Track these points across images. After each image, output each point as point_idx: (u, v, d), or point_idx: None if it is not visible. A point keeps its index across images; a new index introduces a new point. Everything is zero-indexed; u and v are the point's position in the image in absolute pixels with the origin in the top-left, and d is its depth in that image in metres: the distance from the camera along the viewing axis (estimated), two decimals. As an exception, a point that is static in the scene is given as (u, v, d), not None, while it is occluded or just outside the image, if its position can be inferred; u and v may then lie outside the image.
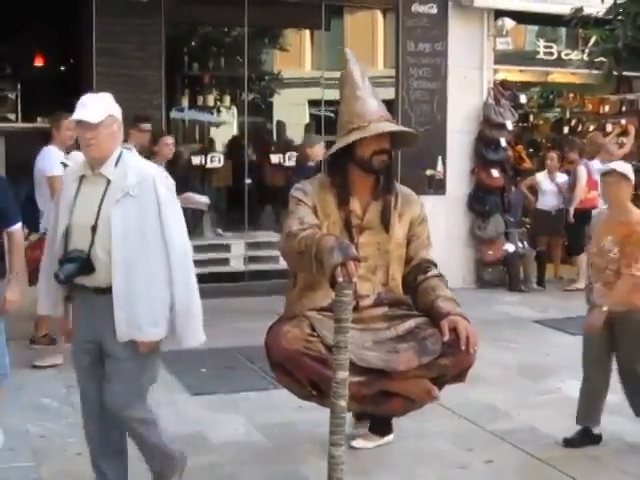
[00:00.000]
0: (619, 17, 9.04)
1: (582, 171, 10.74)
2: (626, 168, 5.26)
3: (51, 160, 7.22)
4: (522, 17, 11.22)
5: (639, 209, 5.35)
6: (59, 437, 5.56)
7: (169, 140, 8.35)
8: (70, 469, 5.05)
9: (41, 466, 5.06)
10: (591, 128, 13.37)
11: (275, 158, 12.17)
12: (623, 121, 12.79)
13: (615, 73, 7.71)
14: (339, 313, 3.11)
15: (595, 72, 9.90)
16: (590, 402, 5.57)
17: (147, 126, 8.31)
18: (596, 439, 5.56)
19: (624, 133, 12.37)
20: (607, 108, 13.58)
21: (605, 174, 5.28)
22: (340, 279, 3.09)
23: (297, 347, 3.46)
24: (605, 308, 5.17)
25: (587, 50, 11.04)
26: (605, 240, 5.25)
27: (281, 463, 5.13)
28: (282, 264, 7.88)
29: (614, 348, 5.49)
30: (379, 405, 3.71)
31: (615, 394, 6.59)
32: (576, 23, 9.50)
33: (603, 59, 8.98)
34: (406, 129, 4.02)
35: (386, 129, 3.73)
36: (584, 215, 10.54)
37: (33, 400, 6.09)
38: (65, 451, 5.32)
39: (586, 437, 5.56)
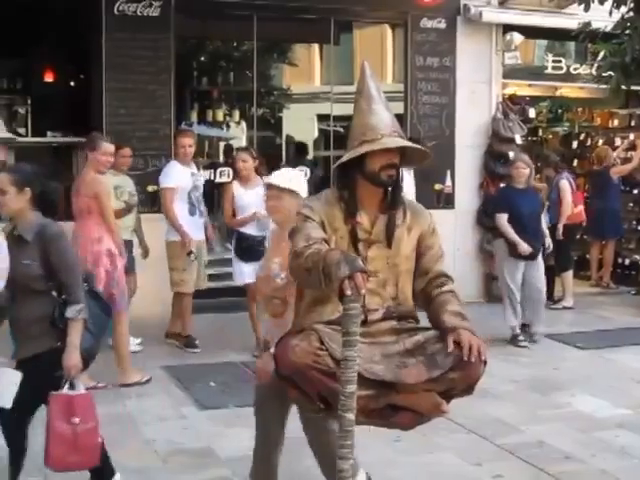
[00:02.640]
0: (627, 31, 9.05)
1: (565, 185, 10.69)
2: (290, 180, 4.51)
3: None
4: (530, 32, 11.24)
5: None
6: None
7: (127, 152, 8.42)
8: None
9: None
10: (600, 142, 13.36)
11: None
12: (632, 136, 12.80)
13: (623, 87, 7.71)
14: (347, 326, 3.11)
15: (603, 87, 9.90)
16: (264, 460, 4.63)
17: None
18: None
19: (633, 148, 12.36)
20: (616, 122, 13.58)
21: (267, 187, 4.59)
22: (348, 292, 3.09)
23: (305, 361, 3.45)
24: (273, 350, 3.97)
25: (595, 64, 11.04)
26: (272, 263, 4.44)
27: (291, 476, 5.13)
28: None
29: None
30: (387, 419, 3.70)
31: (622, 408, 6.61)
32: (584, 38, 9.52)
33: (611, 73, 8.98)
34: (418, 146, 4.01)
35: (398, 144, 3.73)
36: (570, 230, 10.55)
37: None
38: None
39: None
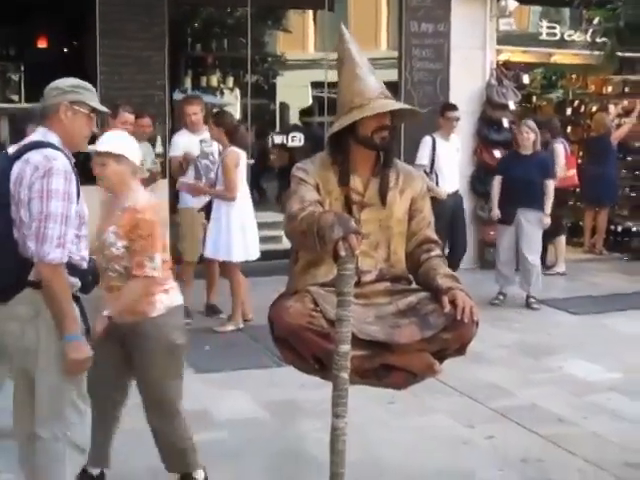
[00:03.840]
0: (621, -3, 9.05)
1: (559, 149, 10.73)
2: (120, 144, 4.26)
3: None
4: (525, -2, 11.22)
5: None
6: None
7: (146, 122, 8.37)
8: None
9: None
10: (594, 109, 13.37)
11: (278, 139, 12.22)
12: (625, 102, 12.80)
13: (618, 53, 7.71)
14: (341, 287, 3.16)
15: (597, 53, 9.87)
16: (99, 436, 4.34)
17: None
18: None
19: (627, 114, 12.36)
20: (610, 89, 13.55)
21: (96, 155, 4.23)
22: (342, 253, 3.13)
23: (300, 322, 3.50)
24: (106, 312, 4.04)
25: (590, 31, 11.02)
26: (107, 232, 4.15)
27: (285, 439, 5.21)
28: (285, 244, 7.98)
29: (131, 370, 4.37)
30: (381, 379, 3.76)
31: (614, 372, 6.69)
32: (579, 4, 9.51)
33: (605, 39, 8.97)
34: (407, 106, 4.05)
35: (388, 107, 3.75)
36: (563, 195, 10.55)
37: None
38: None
39: None
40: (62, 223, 3.48)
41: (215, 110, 8.73)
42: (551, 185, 9.01)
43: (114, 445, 4.53)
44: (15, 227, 3.49)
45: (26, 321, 3.52)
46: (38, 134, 3.67)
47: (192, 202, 8.01)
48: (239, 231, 7.70)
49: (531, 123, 9.12)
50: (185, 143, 8.19)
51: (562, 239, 10.85)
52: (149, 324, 4.14)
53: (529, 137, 8.86)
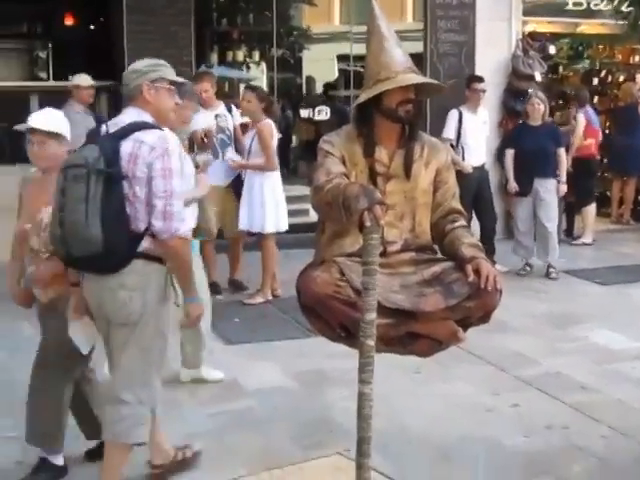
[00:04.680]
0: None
1: (580, 118, 10.72)
2: (61, 124, 4.25)
3: None
4: (551, -32, 11.16)
5: None
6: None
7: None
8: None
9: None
10: (621, 79, 13.29)
11: (304, 113, 12.27)
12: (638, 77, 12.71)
13: (640, 22, 7.72)
14: (367, 256, 3.23)
15: (622, 22, 9.83)
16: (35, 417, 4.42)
17: None
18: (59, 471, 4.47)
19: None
20: (637, 58, 13.47)
21: (30, 132, 4.19)
22: (368, 223, 3.20)
23: (327, 291, 3.58)
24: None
25: (615, 0, 10.95)
26: (43, 212, 4.12)
27: (313, 407, 5.30)
28: (311, 217, 8.05)
29: None
30: (406, 347, 3.83)
31: (638, 342, 6.73)
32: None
33: (631, 8, 8.92)
34: (432, 80, 4.11)
35: (412, 81, 3.81)
36: (583, 164, 10.54)
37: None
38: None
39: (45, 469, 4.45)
40: (179, 199, 3.78)
41: (246, 85, 8.74)
42: (563, 153, 9.08)
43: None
44: (128, 202, 3.69)
45: (134, 290, 3.75)
46: (132, 115, 3.87)
47: (210, 179, 7.99)
48: (273, 203, 7.86)
49: (540, 94, 9.19)
50: (201, 119, 7.98)
51: (590, 209, 10.83)
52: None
53: (540, 108, 8.91)
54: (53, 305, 4.21)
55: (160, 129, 3.83)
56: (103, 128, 3.99)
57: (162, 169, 3.70)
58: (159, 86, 3.91)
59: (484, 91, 9.37)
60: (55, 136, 4.20)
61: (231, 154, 8.07)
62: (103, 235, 3.60)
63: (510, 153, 9.12)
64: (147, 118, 3.86)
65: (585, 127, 10.73)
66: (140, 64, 3.97)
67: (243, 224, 7.89)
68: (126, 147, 3.72)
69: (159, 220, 3.69)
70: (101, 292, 3.80)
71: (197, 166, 5.60)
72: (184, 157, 4.44)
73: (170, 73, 3.97)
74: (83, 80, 8.73)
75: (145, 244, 3.74)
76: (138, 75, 3.90)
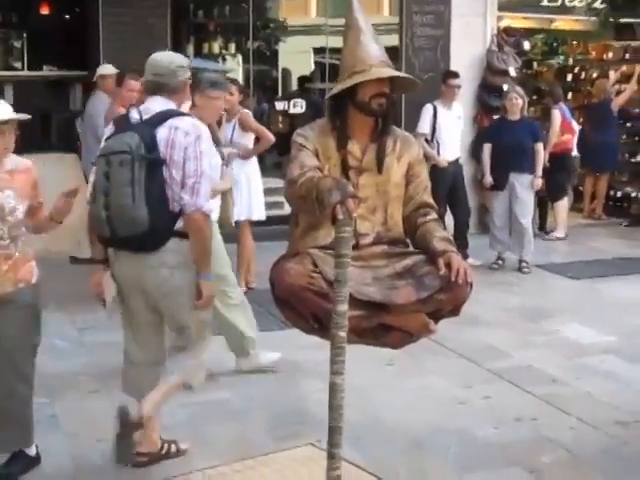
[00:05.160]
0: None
1: (556, 114, 10.82)
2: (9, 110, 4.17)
3: None
4: (526, -36, 11.23)
5: None
6: (72, 376, 5.76)
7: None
8: (84, 406, 5.27)
9: (55, 403, 5.27)
10: (594, 75, 13.40)
11: (280, 105, 12.28)
12: (624, 67, 12.82)
13: (611, 19, 7.77)
14: (340, 249, 3.27)
15: (594, 19, 9.92)
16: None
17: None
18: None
19: (627, 79, 12.37)
20: (610, 55, 13.58)
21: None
22: (340, 216, 3.24)
23: (300, 282, 3.62)
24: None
25: (588, -4, 11.05)
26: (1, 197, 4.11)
27: (287, 399, 5.35)
28: (285, 210, 8.08)
29: None
30: (378, 338, 3.88)
31: (609, 335, 6.81)
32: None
33: (600, 6, 8.99)
34: (406, 75, 4.15)
35: (386, 74, 3.85)
36: (559, 160, 10.65)
37: (47, 342, 6.27)
38: (79, 389, 5.54)
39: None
40: (207, 180, 4.12)
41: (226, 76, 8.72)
42: (541, 148, 9.14)
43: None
44: (166, 185, 4.02)
45: (174, 267, 4.05)
46: (160, 103, 4.18)
47: None
48: (260, 190, 8.07)
49: (519, 89, 9.30)
50: None
51: (562, 204, 10.93)
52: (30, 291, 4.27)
53: (518, 103, 9.00)
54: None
55: (190, 116, 4.21)
56: (134, 115, 4.20)
57: (194, 152, 4.05)
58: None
59: (459, 87, 9.43)
60: (13, 124, 4.17)
61: (228, 149, 8.09)
62: (148, 216, 3.93)
63: (488, 147, 9.19)
64: (173, 107, 4.20)
65: (561, 123, 10.82)
66: (183, 60, 4.34)
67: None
68: (162, 133, 4.04)
69: (187, 194, 4.02)
70: (142, 270, 4.09)
71: (223, 158, 5.70)
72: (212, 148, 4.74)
73: None
74: (107, 69, 8.75)
75: (180, 223, 4.06)
76: (184, 71, 4.26)
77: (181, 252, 4.07)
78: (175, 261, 4.06)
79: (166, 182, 4.02)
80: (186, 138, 4.04)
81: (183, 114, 4.22)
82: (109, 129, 4.30)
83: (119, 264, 4.20)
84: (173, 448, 4.60)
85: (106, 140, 4.21)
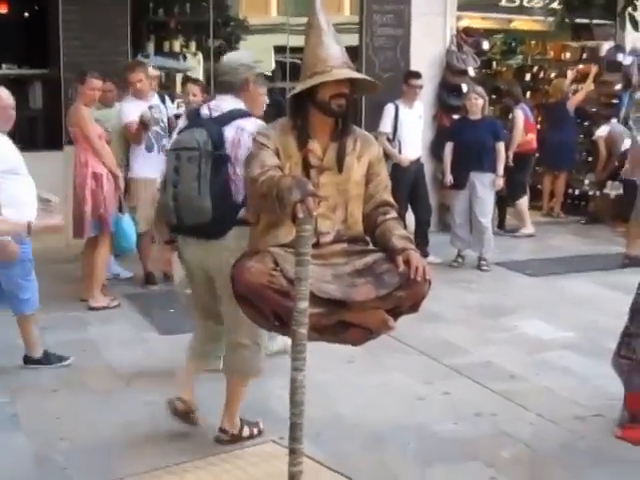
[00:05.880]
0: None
1: (519, 114, 10.95)
2: None
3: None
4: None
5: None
6: (33, 375, 5.75)
7: (108, 86, 8.26)
8: (45, 405, 5.26)
9: (16, 402, 5.26)
10: (552, 75, 13.56)
11: (241, 104, 12.24)
12: (581, 65, 12.99)
13: (567, 20, 7.91)
14: (300, 247, 3.31)
15: (551, 19, 10.05)
16: None
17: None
18: None
19: (583, 79, 12.53)
20: (568, 55, 13.75)
21: None
22: (300, 215, 3.28)
23: (260, 280, 3.65)
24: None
25: (546, -3, 11.18)
26: None
27: (249, 396, 5.33)
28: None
29: None
30: (338, 335, 3.92)
31: (567, 331, 6.91)
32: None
33: (557, 7, 9.10)
34: (365, 77, 4.21)
35: (347, 75, 3.90)
36: (522, 159, 10.80)
37: (8, 341, 6.26)
38: (39, 388, 5.52)
39: None
40: None
41: (188, 77, 8.68)
42: (502, 147, 9.21)
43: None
44: (230, 180, 4.29)
45: (235, 250, 4.15)
46: (229, 102, 4.49)
47: (145, 173, 7.93)
48: None
49: (479, 89, 9.39)
50: (133, 110, 7.99)
51: (523, 201, 11.07)
52: None
53: (477, 103, 9.08)
54: None
55: (255, 117, 4.49)
56: (204, 111, 4.54)
57: None
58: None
59: (421, 87, 9.50)
60: None
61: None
62: (212, 207, 4.23)
63: (449, 146, 9.27)
64: (242, 106, 4.51)
65: (524, 122, 10.95)
66: (245, 58, 4.67)
67: None
68: (229, 132, 4.34)
69: None
70: (207, 255, 4.40)
71: None
72: None
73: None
74: (152, 71, 8.80)
75: (241, 213, 4.31)
76: (246, 69, 4.55)
77: (242, 238, 4.22)
78: (236, 246, 4.20)
79: (230, 177, 4.29)
80: (250, 139, 4.23)
81: (249, 114, 4.48)
82: (182, 122, 4.79)
83: (186, 249, 4.54)
84: (255, 431, 4.82)
85: (178, 134, 4.69)
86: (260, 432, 4.86)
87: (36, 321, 5.92)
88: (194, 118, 4.66)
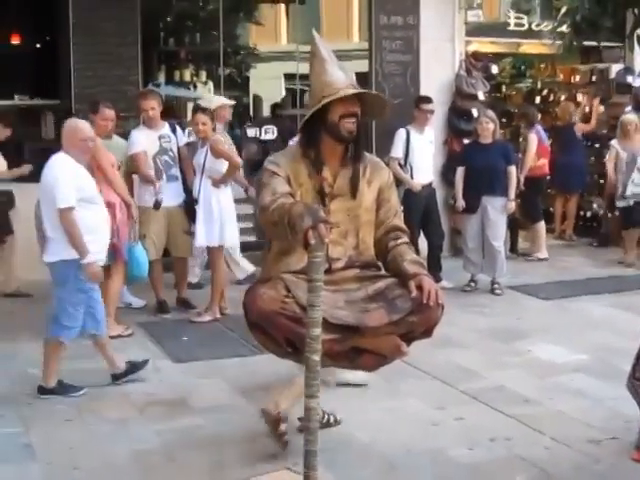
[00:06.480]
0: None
1: (532, 138, 10.96)
2: None
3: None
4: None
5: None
6: (47, 405, 5.75)
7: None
8: (59, 434, 5.25)
9: (30, 432, 5.26)
10: (562, 98, 13.57)
11: (251, 132, 12.34)
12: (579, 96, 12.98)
13: (575, 43, 7.95)
14: (312, 273, 3.32)
15: (559, 42, 10.12)
16: None
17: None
18: None
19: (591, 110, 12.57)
20: (578, 78, 13.76)
21: None
22: (312, 241, 3.30)
23: (273, 307, 3.67)
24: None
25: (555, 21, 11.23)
26: None
27: (261, 424, 5.33)
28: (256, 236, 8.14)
29: None
30: (352, 361, 3.93)
31: (579, 354, 6.88)
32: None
33: (565, 30, 9.15)
34: (373, 92, 4.26)
35: (353, 92, 3.95)
36: (535, 183, 10.79)
37: (20, 370, 6.26)
38: (53, 418, 5.53)
39: None
40: None
41: (197, 106, 8.73)
42: (514, 171, 9.20)
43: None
44: None
45: None
46: None
47: (150, 201, 7.97)
48: (232, 216, 7.97)
49: (490, 113, 9.37)
50: (143, 140, 8.04)
51: (540, 225, 11.05)
52: None
53: (488, 127, 9.07)
54: None
55: None
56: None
57: None
58: None
59: (432, 112, 9.52)
60: None
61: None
62: None
63: (461, 170, 9.26)
64: None
65: (537, 146, 10.96)
66: None
67: (201, 241, 7.91)
68: None
69: None
70: None
71: None
72: None
73: None
74: (224, 100, 9.29)
75: None
76: None
77: None
78: None
79: None
80: None
81: None
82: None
83: None
84: (332, 420, 4.90)
85: None
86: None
87: (61, 353, 5.94)
88: None
